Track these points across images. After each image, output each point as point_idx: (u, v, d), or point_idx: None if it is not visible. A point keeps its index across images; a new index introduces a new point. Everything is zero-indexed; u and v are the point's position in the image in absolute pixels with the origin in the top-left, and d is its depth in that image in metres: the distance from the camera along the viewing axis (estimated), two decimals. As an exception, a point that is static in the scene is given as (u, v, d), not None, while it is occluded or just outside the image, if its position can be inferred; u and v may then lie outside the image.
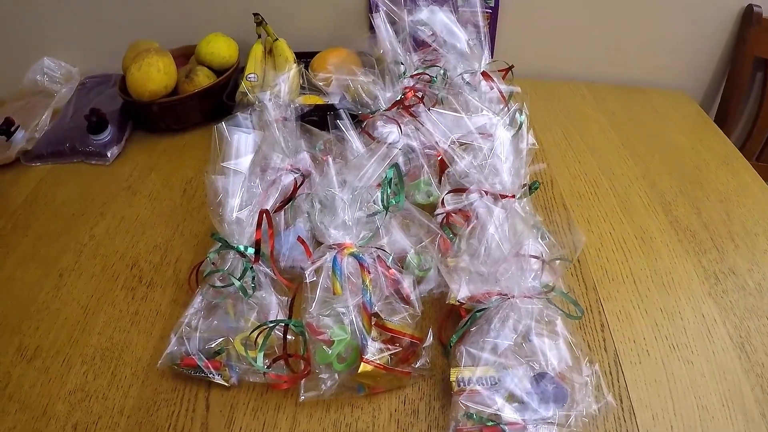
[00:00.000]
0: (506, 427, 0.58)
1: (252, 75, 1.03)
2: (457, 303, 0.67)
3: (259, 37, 1.12)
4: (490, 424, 0.58)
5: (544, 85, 1.24)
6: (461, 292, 0.63)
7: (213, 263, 0.71)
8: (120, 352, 0.72)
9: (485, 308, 0.64)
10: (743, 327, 0.73)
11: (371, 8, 1.04)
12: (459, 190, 0.74)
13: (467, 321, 0.65)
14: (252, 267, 0.68)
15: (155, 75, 1.01)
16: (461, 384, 0.61)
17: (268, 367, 0.63)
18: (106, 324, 0.76)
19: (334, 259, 0.62)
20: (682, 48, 1.20)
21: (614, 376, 0.67)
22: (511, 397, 0.60)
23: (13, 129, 1.05)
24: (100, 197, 0.98)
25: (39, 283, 0.83)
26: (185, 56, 1.16)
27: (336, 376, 0.62)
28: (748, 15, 1.14)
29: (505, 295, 0.63)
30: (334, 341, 0.61)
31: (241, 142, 0.72)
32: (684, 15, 1.16)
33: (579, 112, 1.16)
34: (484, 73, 0.86)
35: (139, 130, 1.15)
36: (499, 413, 0.58)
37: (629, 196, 0.93)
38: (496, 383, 0.60)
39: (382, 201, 0.70)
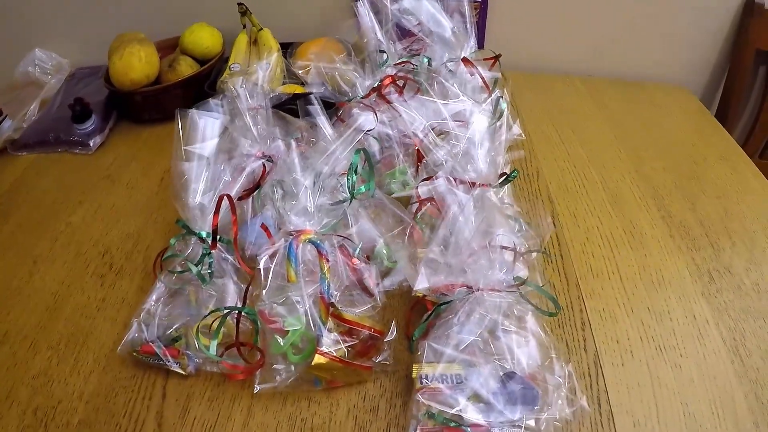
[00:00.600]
0: (469, 429, 0.54)
1: (235, 65, 1.01)
2: (423, 296, 0.64)
3: (244, 27, 1.11)
4: (452, 425, 0.54)
5: (537, 79, 1.20)
6: (421, 282, 0.60)
7: (177, 249, 0.69)
8: (85, 339, 0.71)
9: (450, 301, 0.60)
10: (738, 329, 0.68)
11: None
12: (432, 178, 0.71)
13: (430, 314, 0.62)
14: (210, 253, 0.65)
15: (136, 64, 0.99)
16: (423, 381, 0.57)
17: (220, 356, 0.61)
18: (73, 310, 0.75)
19: (290, 245, 0.59)
20: (681, 41, 1.16)
21: (593, 378, 0.63)
22: (476, 397, 0.56)
23: (0, 118, 1.05)
24: (80, 186, 0.97)
25: (13, 270, 0.82)
26: (172, 48, 1.15)
27: (291, 367, 0.60)
28: (749, 6, 1.09)
29: (470, 287, 0.60)
30: (287, 331, 0.58)
31: (208, 127, 0.70)
32: (684, 6, 1.11)
33: (572, 106, 1.12)
34: (464, 59, 0.82)
35: (123, 120, 1.14)
36: (461, 414, 0.55)
37: (620, 190, 0.89)
38: (460, 382, 0.56)
39: (349, 188, 0.67)
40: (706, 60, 1.18)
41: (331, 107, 0.81)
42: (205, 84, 1.04)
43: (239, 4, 1.05)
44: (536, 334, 0.60)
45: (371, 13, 0.89)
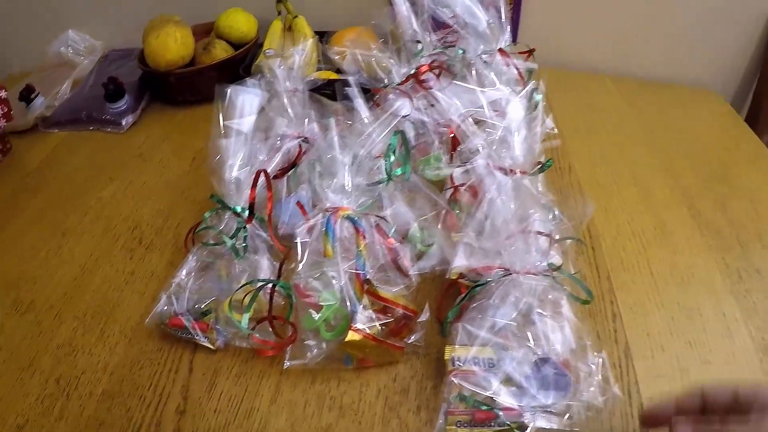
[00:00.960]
0: (501, 413, 0.52)
1: (270, 50, 1.01)
2: (457, 278, 0.63)
3: (279, 13, 1.11)
4: (484, 408, 0.53)
5: (568, 75, 1.19)
6: (459, 262, 0.59)
7: (210, 222, 0.68)
8: (111, 310, 0.70)
9: (485, 283, 0.59)
10: (766, 329, 0.67)
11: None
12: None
13: (465, 296, 0.60)
14: (245, 227, 0.64)
15: (172, 45, 0.99)
16: (456, 363, 0.56)
17: (253, 329, 0.60)
18: (101, 282, 0.74)
19: (328, 220, 0.58)
20: (713, 44, 1.14)
21: (624, 370, 0.61)
22: (509, 381, 0.54)
23: (32, 96, 1.05)
24: (111, 164, 0.97)
25: (42, 242, 0.82)
26: (206, 32, 1.14)
27: (323, 344, 0.58)
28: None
29: (507, 270, 0.58)
30: (322, 306, 0.57)
31: (246, 104, 0.70)
32: (715, 10, 1.10)
33: (603, 104, 1.10)
34: (501, 50, 0.81)
35: (156, 101, 1.14)
36: (494, 397, 0.53)
37: (650, 187, 0.87)
38: (493, 365, 0.55)
39: (386, 170, 0.66)
40: (737, 64, 1.16)
41: (366, 93, 0.80)
42: (240, 68, 1.03)
43: (275, -10, 1.05)
44: (570, 320, 0.58)
45: (407, 3, 0.88)
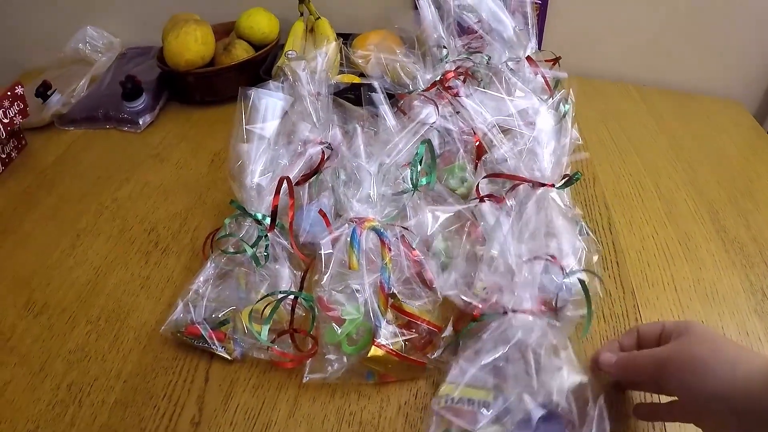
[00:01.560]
0: None
1: (291, 52, 0.98)
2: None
3: (301, 15, 1.08)
4: None
5: (591, 84, 1.16)
6: (481, 278, 0.55)
7: (230, 229, 0.66)
8: (126, 316, 0.68)
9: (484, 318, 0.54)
10: (790, 350, 0.64)
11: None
12: (495, 175, 0.67)
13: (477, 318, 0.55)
14: (267, 235, 0.62)
15: (192, 44, 0.97)
16: (447, 401, 0.51)
17: (273, 342, 0.57)
18: (116, 286, 0.72)
19: (353, 232, 0.56)
20: (737, 55, 1.11)
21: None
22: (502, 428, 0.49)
23: (49, 92, 1.03)
24: (127, 163, 0.94)
25: (56, 242, 0.80)
26: (227, 32, 1.12)
27: (344, 359, 0.56)
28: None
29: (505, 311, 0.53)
30: (345, 320, 0.54)
31: (269, 108, 0.67)
32: (740, 21, 1.07)
33: (626, 113, 1.07)
34: (528, 58, 0.79)
35: (174, 101, 1.11)
36: None
37: (675, 201, 0.84)
38: (488, 409, 0.50)
39: (411, 179, 0.63)
40: (761, 75, 1.13)
41: (391, 98, 0.78)
42: (260, 69, 1.01)
43: (297, -9, 1.03)
44: (572, 362, 0.53)
45: (433, 7, 0.86)
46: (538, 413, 0.49)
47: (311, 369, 0.57)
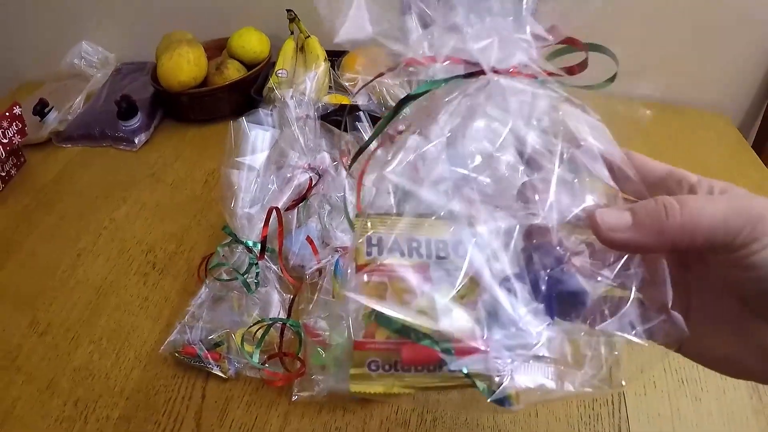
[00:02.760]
0: (450, 354, 0.30)
1: (282, 71, 1.05)
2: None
3: (292, 33, 1.14)
4: (423, 342, 0.30)
5: (574, 94, 1.21)
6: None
7: (223, 255, 0.73)
8: (126, 335, 0.74)
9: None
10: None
11: (404, 9, 1.04)
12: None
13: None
14: (257, 263, 0.69)
15: (185, 66, 1.03)
16: (371, 250, 0.32)
17: (263, 364, 0.64)
18: (116, 307, 0.78)
19: (337, 262, 0.63)
20: (723, 68, 1.17)
21: (616, 406, 0.65)
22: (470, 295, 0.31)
23: (46, 110, 1.09)
24: (124, 182, 1.01)
25: (57, 261, 0.86)
26: (218, 48, 1.18)
27: (330, 378, 0.63)
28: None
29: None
30: (330, 345, 0.62)
31: (258, 139, 0.74)
32: (726, 34, 1.12)
33: (611, 127, 1.13)
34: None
35: (168, 118, 1.18)
36: (438, 325, 0.30)
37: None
38: (444, 258, 0.32)
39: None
40: (746, 88, 1.19)
41: (377, 121, 0.84)
42: (251, 89, 1.07)
43: (288, 11, 1.08)
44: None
45: (420, 28, 0.92)
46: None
47: (300, 387, 0.64)
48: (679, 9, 1.10)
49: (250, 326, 0.65)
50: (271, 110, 0.81)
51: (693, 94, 1.21)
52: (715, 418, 0.64)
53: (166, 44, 1.07)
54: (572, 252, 0.32)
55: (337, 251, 0.64)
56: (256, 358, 0.64)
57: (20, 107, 1.01)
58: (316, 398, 0.63)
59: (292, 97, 0.81)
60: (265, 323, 0.64)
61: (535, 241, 0.32)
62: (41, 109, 1.09)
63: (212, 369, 0.67)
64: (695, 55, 1.16)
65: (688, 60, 1.17)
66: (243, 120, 0.75)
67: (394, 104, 0.86)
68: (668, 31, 1.14)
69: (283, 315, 0.69)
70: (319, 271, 0.64)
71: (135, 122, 1.07)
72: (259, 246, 0.69)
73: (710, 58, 1.16)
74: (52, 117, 1.10)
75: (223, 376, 0.67)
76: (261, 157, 0.72)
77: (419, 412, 0.64)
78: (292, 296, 0.67)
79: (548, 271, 0.31)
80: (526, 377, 0.30)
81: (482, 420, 0.63)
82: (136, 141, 1.07)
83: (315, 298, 0.62)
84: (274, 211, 0.68)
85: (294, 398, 0.64)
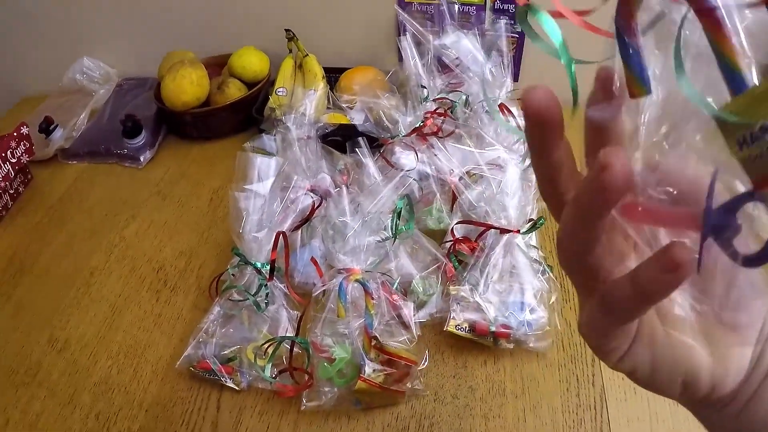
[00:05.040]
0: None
1: (281, 89, 1.13)
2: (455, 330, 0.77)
3: (290, 52, 1.22)
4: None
5: (566, 113, 1.29)
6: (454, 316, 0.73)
7: (233, 275, 0.82)
8: (143, 351, 0.83)
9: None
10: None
11: (399, 30, 1.12)
12: (468, 221, 0.84)
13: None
14: (266, 284, 0.78)
15: (188, 87, 1.12)
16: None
17: (274, 377, 0.74)
18: (131, 323, 0.87)
19: (341, 285, 0.72)
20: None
21: (598, 411, 0.74)
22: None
23: (51, 127, 1.18)
24: (131, 199, 1.10)
25: (71, 279, 0.95)
26: (219, 65, 1.27)
27: (336, 390, 0.72)
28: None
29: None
30: (335, 359, 0.71)
31: (263, 166, 0.83)
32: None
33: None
34: (501, 105, 0.94)
35: (172, 135, 1.26)
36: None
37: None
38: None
39: (392, 228, 0.79)
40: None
41: (374, 142, 0.93)
42: (252, 107, 1.15)
43: (287, 30, 1.16)
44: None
45: (414, 48, 1.01)
46: None
47: (308, 398, 0.73)
48: None
49: (263, 343, 0.75)
50: (275, 134, 0.90)
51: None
52: (690, 422, 0.73)
53: (169, 64, 1.16)
54: None
55: (341, 272, 0.74)
56: (268, 373, 0.73)
57: (27, 127, 1.10)
58: (324, 407, 0.73)
59: (293, 122, 0.90)
60: (276, 340, 0.74)
61: None
62: (47, 127, 1.17)
63: (226, 382, 0.76)
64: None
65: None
66: (248, 146, 0.84)
67: (390, 126, 0.96)
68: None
69: (291, 330, 0.78)
70: (323, 291, 0.73)
71: (140, 140, 1.16)
72: (268, 267, 0.78)
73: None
74: (58, 134, 1.18)
75: (236, 388, 0.77)
76: (267, 184, 0.81)
77: (417, 419, 0.74)
78: (299, 314, 0.77)
79: None
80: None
81: (475, 425, 0.73)
82: (142, 159, 1.16)
83: (321, 317, 0.72)
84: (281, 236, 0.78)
85: (303, 407, 0.73)
